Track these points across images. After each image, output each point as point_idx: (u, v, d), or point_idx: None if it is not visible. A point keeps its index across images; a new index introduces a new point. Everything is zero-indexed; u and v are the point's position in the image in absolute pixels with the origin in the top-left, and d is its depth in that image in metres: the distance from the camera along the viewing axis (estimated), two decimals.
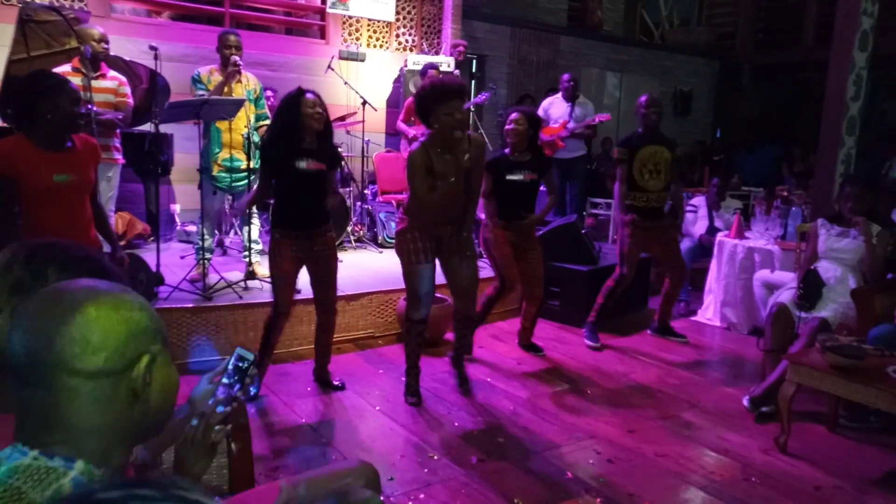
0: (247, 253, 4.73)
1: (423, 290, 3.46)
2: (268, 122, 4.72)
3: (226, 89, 4.52)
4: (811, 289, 3.63)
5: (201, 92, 4.50)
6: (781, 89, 12.11)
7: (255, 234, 4.81)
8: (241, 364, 1.28)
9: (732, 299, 5.11)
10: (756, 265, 4.93)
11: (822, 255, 3.85)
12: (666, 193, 4.52)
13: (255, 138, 4.55)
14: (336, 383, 3.71)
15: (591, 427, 3.32)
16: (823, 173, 4.85)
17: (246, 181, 4.57)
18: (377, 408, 3.47)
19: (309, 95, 3.34)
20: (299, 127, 3.30)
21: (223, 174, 4.60)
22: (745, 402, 3.56)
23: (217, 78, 4.56)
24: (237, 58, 4.53)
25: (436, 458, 2.95)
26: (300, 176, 3.34)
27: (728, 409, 3.59)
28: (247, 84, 4.67)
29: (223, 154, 4.58)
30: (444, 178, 3.31)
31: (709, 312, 5.34)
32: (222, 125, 4.55)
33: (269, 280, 3.66)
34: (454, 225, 3.49)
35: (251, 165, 4.45)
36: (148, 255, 4.31)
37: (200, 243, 4.59)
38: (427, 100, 3.29)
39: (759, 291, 4.65)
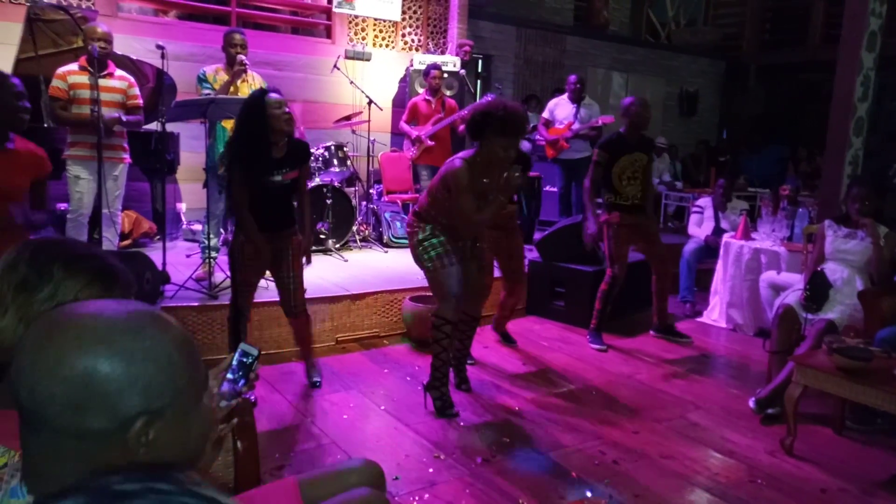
0: (204, 256, 4.77)
1: (457, 289, 3.36)
2: None
3: (231, 88, 4.53)
4: (818, 290, 3.62)
5: (207, 91, 4.51)
6: (787, 89, 12.07)
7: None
8: (245, 360, 1.28)
9: (738, 300, 5.10)
10: (762, 266, 4.91)
11: (829, 256, 3.84)
12: (644, 193, 4.52)
13: None
14: (315, 380, 3.70)
15: (595, 428, 3.31)
16: (831, 174, 4.84)
17: None
18: (382, 407, 3.48)
19: (272, 95, 3.24)
20: (267, 133, 3.22)
21: None
22: (751, 403, 3.55)
23: (223, 77, 4.56)
24: (243, 56, 4.54)
25: (441, 457, 2.95)
26: (272, 188, 3.31)
27: (734, 411, 3.58)
28: (252, 83, 4.68)
29: None
30: (481, 199, 3.26)
31: (714, 314, 5.33)
32: (228, 124, 4.55)
33: (272, 280, 3.66)
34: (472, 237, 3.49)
35: None
36: (154, 254, 4.33)
37: (206, 242, 4.61)
38: (493, 124, 3.15)
39: (766, 293, 4.64)
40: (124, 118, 4.24)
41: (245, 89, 4.60)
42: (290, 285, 3.51)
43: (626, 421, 3.42)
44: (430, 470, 2.84)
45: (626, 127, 4.47)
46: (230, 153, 3.37)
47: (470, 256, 3.50)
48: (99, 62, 4.15)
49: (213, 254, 4.67)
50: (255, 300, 4.12)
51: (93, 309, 0.81)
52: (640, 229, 4.54)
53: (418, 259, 3.40)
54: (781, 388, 3.31)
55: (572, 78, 6.67)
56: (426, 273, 3.39)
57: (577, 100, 6.61)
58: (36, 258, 1.16)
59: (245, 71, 4.58)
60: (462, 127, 6.38)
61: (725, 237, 5.29)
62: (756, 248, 5.00)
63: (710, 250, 5.54)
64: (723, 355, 4.65)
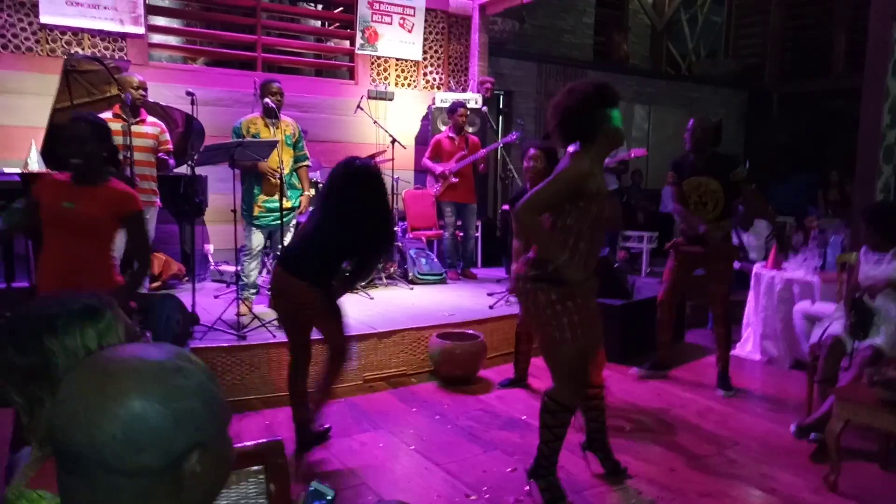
0: (245, 294, 4.85)
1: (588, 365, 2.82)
2: (307, 163, 5.02)
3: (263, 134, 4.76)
4: (862, 317, 3.51)
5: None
6: (812, 118, 11.99)
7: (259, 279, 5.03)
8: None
9: (772, 332, 4.98)
10: (795, 297, 4.80)
11: (863, 283, 3.72)
12: (721, 223, 4.17)
13: (295, 179, 4.88)
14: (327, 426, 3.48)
15: (631, 465, 3.22)
16: (862, 203, 4.74)
17: (286, 219, 4.77)
18: (412, 447, 3.43)
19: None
20: None
21: (264, 214, 4.83)
22: (793, 428, 3.43)
23: (258, 125, 4.78)
24: (268, 100, 4.74)
25: (473, 498, 2.89)
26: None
27: (773, 446, 3.47)
28: (285, 129, 4.84)
29: (262, 196, 4.82)
30: (601, 197, 2.68)
31: (748, 346, 5.21)
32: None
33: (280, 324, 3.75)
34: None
35: (289, 205, 4.75)
36: (183, 295, 4.37)
37: (244, 280, 4.78)
38: (598, 103, 2.63)
39: (800, 324, 4.52)
40: (170, 161, 4.52)
41: (276, 135, 4.75)
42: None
43: (661, 458, 3.33)
44: None
45: (690, 147, 4.27)
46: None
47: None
48: (132, 109, 4.27)
49: (252, 291, 4.88)
50: (281, 339, 4.14)
51: (135, 352, 0.85)
52: (703, 260, 4.29)
53: (546, 325, 2.71)
54: (825, 419, 3.21)
55: None
56: (553, 344, 2.73)
57: None
58: (20, 346, 1.16)
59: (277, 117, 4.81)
60: (483, 166, 6.42)
61: (756, 267, 5.19)
62: (788, 278, 4.89)
63: (741, 276, 5.41)
64: (758, 388, 4.53)
